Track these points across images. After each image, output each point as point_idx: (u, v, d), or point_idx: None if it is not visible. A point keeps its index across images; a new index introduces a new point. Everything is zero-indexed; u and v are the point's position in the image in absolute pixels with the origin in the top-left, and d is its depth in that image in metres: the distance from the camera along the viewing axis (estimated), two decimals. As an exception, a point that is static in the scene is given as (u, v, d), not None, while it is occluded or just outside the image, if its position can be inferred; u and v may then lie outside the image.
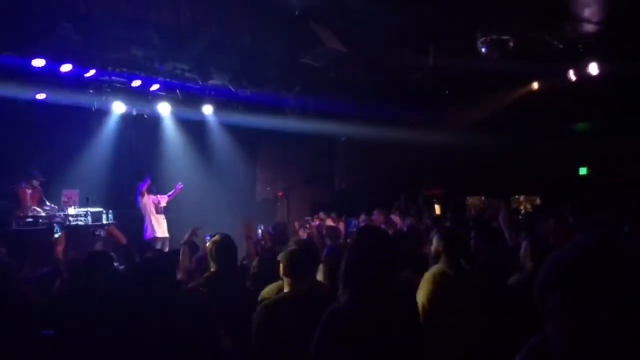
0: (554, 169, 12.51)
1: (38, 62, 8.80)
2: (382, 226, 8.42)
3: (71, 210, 9.56)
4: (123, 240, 5.28)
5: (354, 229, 7.18)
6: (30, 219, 9.13)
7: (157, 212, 10.41)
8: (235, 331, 3.13)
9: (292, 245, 3.58)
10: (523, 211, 11.21)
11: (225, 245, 3.93)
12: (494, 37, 8.10)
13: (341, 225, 9.82)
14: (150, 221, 10.26)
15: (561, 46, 9.45)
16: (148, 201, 10.35)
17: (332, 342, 2.43)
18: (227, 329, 3.11)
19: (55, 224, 6.45)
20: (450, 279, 3.66)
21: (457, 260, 3.80)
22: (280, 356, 3.17)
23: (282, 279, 3.44)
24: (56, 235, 6.04)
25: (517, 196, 12.55)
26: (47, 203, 9.54)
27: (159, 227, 10.26)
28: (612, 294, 1.19)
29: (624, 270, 1.21)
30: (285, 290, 3.43)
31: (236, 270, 4.00)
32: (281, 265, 3.44)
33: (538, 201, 12.32)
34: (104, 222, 9.72)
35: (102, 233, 6.31)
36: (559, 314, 1.25)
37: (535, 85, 12.15)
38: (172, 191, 10.97)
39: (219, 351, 3.01)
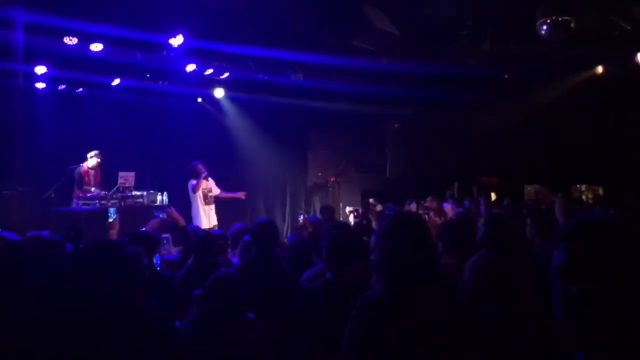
0: (618, 158, 11.94)
1: (95, 47, 9.04)
2: (432, 214, 8.28)
3: (128, 192, 9.80)
4: (182, 221, 5.35)
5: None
6: (89, 199, 9.43)
7: (206, 202, 10.16)
8: (268, 315, 3.12)
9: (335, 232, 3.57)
10: (585, 201, 10.77)
11: (262, 231, 3.95)
12: (555, 18, 7.73)
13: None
14: (198, 212, 10.10)
15: (629, 28, 8.95)
16: (199, 192, 10.23)
17: (366, 331, 2.35)
18: (260, 312, 3.11)
19: (109, 208, 6.59)
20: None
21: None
22: (316, 343, 3.14)
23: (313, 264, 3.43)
24: (110, 220, 6.15)
25: (578, 185, 12.06)
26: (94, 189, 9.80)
27: (206, 218, 10.05)
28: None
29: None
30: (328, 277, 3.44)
31: (273, 256, 3.99)
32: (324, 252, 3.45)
33: (600, 191, 11.80)
34: (159, 204, 9.92)
35: (162, 215, 6.43)
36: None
37: (600, 69, 11.59)
38: (231, 193, 10.59)
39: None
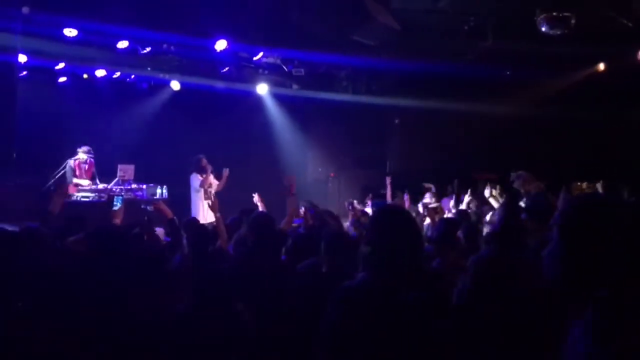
0: (618, 155, 11.92)
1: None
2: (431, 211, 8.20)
3: (127, 185, 9.77)
4: (170, 214, 5.30)
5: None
6: (90, 192, 9.42)
7: (205, 198, 9.62)
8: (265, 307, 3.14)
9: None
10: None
11: (260, 223, 3.97)
12: (555, 13, 7.69)
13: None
14: (199, 207, 9.82)
15: (630, 25, 8.91)
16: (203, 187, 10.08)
17: (343, 316, 2.34)
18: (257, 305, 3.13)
19: (115, 196, 6.48)
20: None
21: None
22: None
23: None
24: (115, 208, 6.06)
25: (578, 183, 12.03)
26: (97, 180, 9.77)
27: (204, 214, 9.50)
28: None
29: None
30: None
31: (271, 248, 4.01)
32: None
33: (600, 188, 11.76)
34: (159, 197, 9.85)
35: (149, 207, 6.35)
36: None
37: (602, 66, 11.55)
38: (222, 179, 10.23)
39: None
